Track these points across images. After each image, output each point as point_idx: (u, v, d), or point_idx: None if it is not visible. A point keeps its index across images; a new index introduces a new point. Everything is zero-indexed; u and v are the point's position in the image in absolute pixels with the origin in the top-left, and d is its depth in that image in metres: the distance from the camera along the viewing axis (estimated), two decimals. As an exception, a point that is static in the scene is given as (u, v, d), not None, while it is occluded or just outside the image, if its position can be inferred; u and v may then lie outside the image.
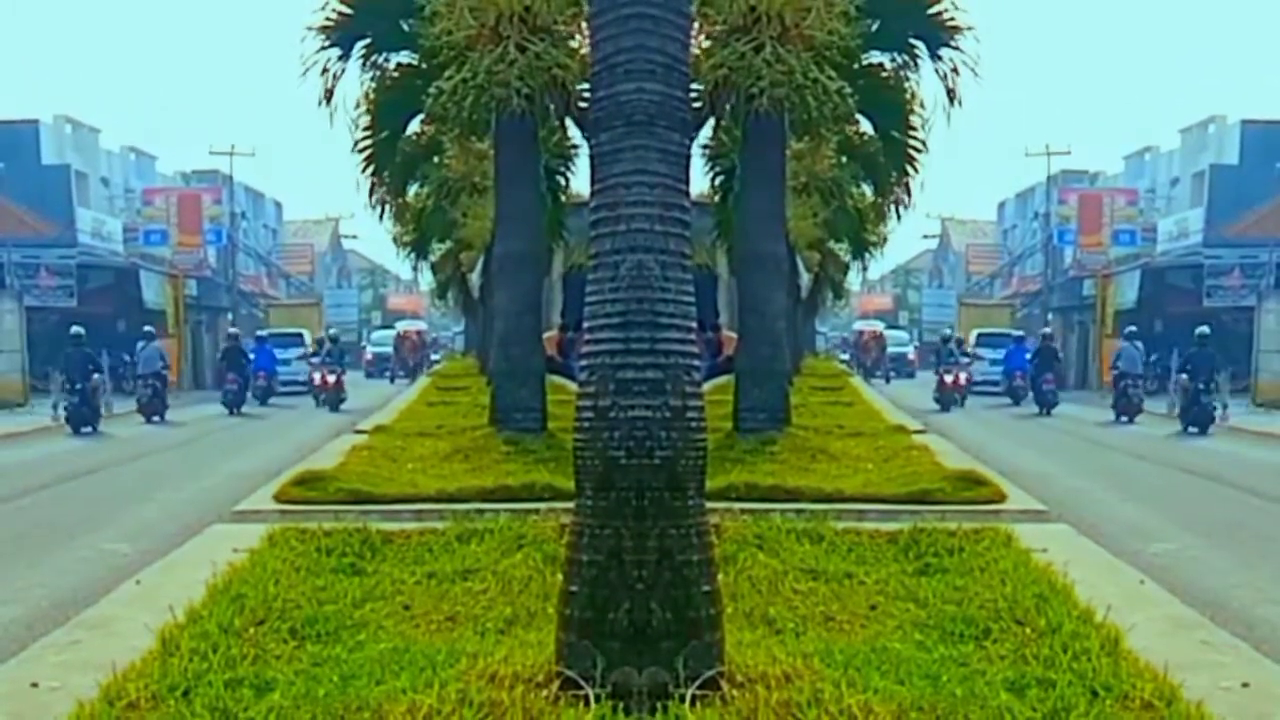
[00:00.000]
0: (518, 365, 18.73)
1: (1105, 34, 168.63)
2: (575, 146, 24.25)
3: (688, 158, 6.53)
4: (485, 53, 16.65)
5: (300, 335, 48.56)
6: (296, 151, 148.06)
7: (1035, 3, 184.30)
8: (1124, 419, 31.84)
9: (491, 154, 20.92)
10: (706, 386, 6.86)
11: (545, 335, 22.06)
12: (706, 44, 16.45)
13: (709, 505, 6.60)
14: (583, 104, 16.15)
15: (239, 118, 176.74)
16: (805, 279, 38.77)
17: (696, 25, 15.09)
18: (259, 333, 47.42)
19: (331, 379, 36.56)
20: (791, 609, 8.56)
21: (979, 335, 48.73)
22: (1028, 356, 38.12)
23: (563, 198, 26.17)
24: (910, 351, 61.02)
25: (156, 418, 31.69)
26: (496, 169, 19.81)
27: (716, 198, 26.18)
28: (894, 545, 10.72)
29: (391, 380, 49.43)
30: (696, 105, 15.97)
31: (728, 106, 16.74)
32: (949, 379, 36.65)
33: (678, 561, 6.10)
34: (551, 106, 17.16)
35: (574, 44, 16.71)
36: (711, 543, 6.44)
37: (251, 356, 38.68)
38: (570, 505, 6.59)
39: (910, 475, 15.15)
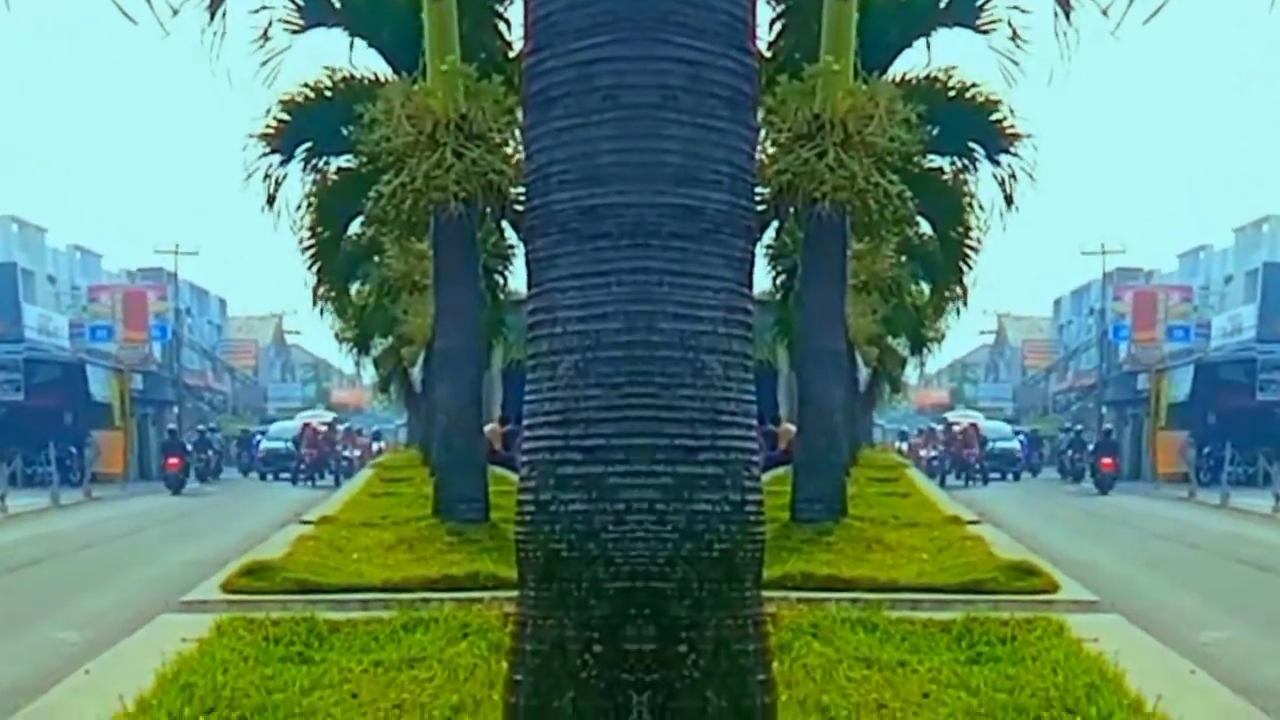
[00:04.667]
0: (460, 457, 18.84)
1: (1160, 135, 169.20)
2: (512, 247, 24.61)
3: (752, 262, 6.53)
4: (423, 158, 16.97)
5: None
6: (241, 249, 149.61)
7: (1091, 104, 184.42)
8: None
9: (431, 254, 21.02)
10: (765, 477, 7.02)
11: (487, 428, 22.49)
12: (772, 150, 16.79)
13: (766, 594, 6.62)
14: (519, 207, 16.11)
15: (184, 217, 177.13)
16: (863, 373, 39.04)
17: (763, 133, 15.45)
18: (243, 428, 53.15)
19: None
20: (845, 697, 8.54)
21: None
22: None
23: (501, 296, 26.59)
24: (1016, 446, 53.88)
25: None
26: (436, 268, 20.12)
27: (778, 296, 26.60)
28: (947, 634, 10.74)
29: (294, 482, 44.71)
30: (761, 209, 16.23)
31: (791, 209, 17.05)
32: None
33: (734, 651, 6.09)
34: (488, 210, 17.51)
35: (508, 150, 17.09)
36: (768, 632, 6.46)
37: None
38: (513, 594, 6.63)
39: (964, 565, 15.20)
